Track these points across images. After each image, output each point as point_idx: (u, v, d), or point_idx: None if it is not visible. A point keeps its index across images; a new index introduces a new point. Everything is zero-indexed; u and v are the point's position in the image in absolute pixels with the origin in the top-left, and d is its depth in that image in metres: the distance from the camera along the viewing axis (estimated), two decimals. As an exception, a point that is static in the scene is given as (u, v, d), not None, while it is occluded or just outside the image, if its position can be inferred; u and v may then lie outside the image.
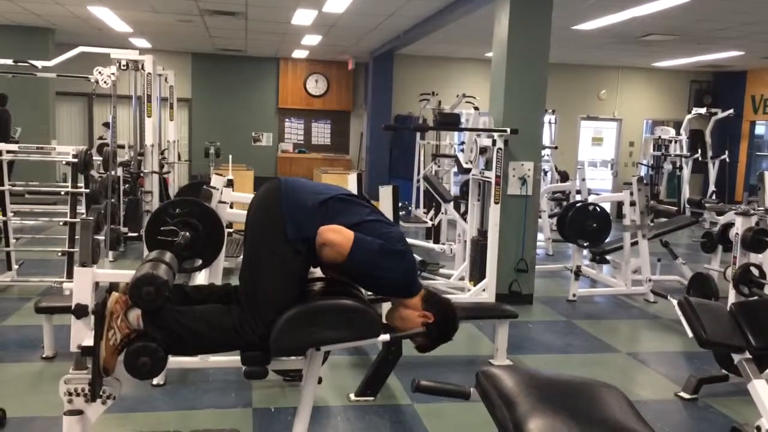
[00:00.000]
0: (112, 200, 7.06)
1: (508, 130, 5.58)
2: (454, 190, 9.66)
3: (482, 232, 5.84)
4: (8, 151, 5.85)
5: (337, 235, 2.30)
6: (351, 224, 2.34)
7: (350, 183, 4.01)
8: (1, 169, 5.74)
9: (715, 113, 11.98)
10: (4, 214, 5.84)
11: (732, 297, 4.75)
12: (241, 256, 2.43)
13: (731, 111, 11.90)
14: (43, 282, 5.84)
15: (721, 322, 3.38)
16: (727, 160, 12.34)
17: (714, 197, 11.49)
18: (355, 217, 2.39)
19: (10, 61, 7.11)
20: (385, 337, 2.46)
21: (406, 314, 2.47)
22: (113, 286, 2.31)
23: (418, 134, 10.87)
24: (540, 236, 8.12)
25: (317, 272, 2.50)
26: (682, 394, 4.11)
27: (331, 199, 2.41)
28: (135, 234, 7.31)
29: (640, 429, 1.40)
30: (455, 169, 9.41)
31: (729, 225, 5.64)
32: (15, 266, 6.03)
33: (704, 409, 3.95)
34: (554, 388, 1.54)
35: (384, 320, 2.50)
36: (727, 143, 13.03)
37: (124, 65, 7.09)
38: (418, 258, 3.87)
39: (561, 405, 1.44)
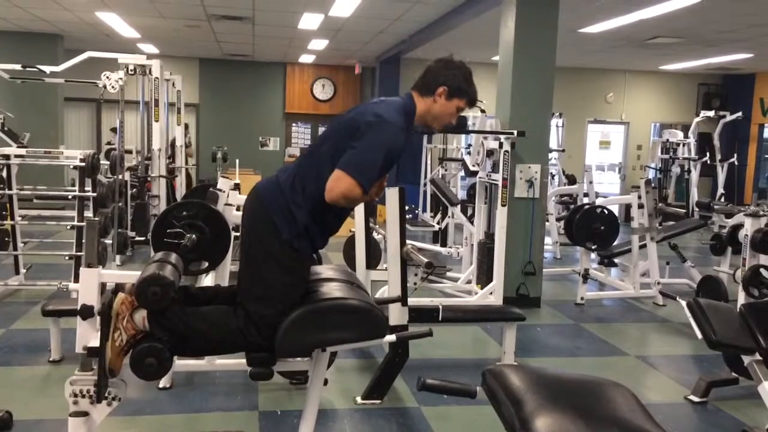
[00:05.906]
0: (120, 204, 7.10)
1: (515, 132, 5.57)
2: (461, 194, 9.66)
3: (489, 235, 5.81)
4: (17, 156, 5.87)
5: (337, 186, 2.25)
6: (329, 170, 2.30)
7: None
8: (9, 173, 5.75)
9: (724, 116, 11.92)
10: (12, 218, 5.86)
11: (741, 299, 4.71)
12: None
13: (740, 114, 11.84)
14: (50, 286, 5.84)
15: (731, 323, 3.36)
16: (736, 163, 12.28)
17: (723, 200, 11.43)
18: (324, 163, 2.33)
19: (18, 67, 7.17)
20: (391, 337, 2.45)
21: (432, 115, 2.50)
22: (119, 287, 2.32)
23: (425, 137, 10.85)
24: (547, 239, 8.09)
25: (323, 272, 2.49)
26: (692, 397, 4.07)
27: (296, 176, 2.38)
28: (142, 238, 7.35)
29: (649, 428, 1.38)
30: (462, 172, 9.39)
31: (738, 227, 5.59)
32: (23, 270, 6.04)
33: (714, 412, 3.92)
34: (562, 386, 1.52)
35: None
36: (736, 146, 12.96)
37: (131, 70, 7.14)
38: (424, 260, 3.85)
39: (569, 403, 1.42)
